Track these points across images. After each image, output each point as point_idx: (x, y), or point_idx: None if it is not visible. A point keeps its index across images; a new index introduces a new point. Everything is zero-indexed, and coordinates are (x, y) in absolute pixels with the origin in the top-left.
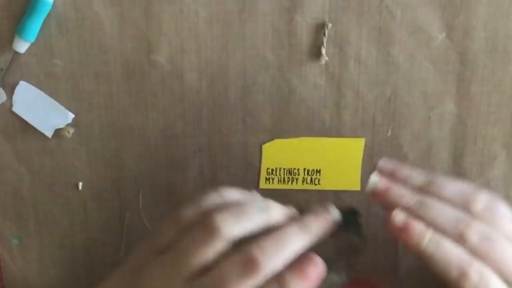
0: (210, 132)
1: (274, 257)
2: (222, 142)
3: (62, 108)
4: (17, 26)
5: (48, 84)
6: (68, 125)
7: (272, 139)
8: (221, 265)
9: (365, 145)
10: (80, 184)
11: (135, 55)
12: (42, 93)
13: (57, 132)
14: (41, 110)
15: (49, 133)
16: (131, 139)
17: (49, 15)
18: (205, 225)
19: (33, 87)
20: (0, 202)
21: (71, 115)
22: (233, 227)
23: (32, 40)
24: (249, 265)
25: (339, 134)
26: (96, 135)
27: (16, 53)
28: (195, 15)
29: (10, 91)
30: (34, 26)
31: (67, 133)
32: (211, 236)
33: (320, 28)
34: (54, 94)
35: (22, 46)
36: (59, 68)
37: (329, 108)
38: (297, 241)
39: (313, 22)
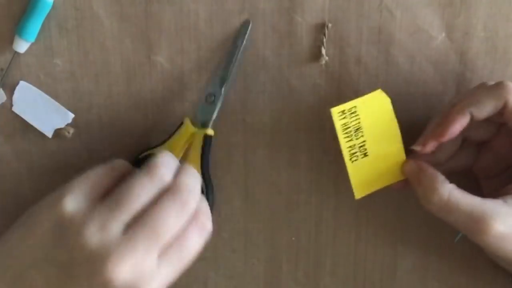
0: None
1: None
2: (222, 142)
3: (62, 108)
4: (17, 26)
5: (48, 84)
6: (68, 125)
7: (272, 139)
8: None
9: None
10: None
11: (135, 55)
12: (42, 93)
13: (57, 132)
14: (41, 110)
15: (49, 133)
16: (131, 139)
17: (49, 15)
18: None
19: (33, 87)
20: (0, 202)
21: (71, 115)
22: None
23: (32, 40)
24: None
25: None
26: (96, 135)
27: (16, 53)
28: (195, 15)
29: (10, 91)
30: (34, 26)
31: (67, 133)
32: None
33: (320, 28)
34: (54, 94)
35: (22, 46)
36: (59, 68)
37: (329, 108)
38: None
39: (313, 22)
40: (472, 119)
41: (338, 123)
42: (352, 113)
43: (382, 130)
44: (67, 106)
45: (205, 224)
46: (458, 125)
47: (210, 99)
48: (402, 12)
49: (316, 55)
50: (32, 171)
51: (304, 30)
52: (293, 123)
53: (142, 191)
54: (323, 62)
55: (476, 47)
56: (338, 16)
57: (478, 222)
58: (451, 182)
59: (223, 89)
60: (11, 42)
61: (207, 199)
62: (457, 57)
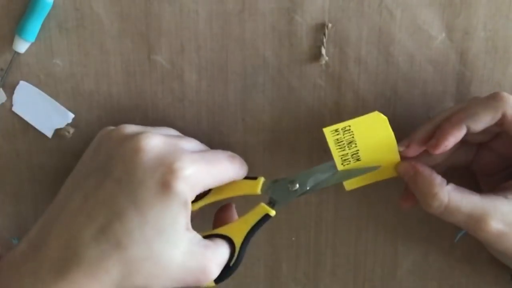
0: (210, 132)
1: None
2: (222, 142)
3: (62, 108)
4: (17, 26)
5: (48, 84)
6: (68, 125)
7: (272, 139)
8: None
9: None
10: None
11: (135, 55)
12: (42, 93)
13: (57, 132)
14: (41, 110)
15: (49, 133)
16: None
17: (49, 15)
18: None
19: (33, 87)
20: (0, 202)
21: (71, 115)
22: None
23: (32, 40)
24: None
25: None
26: (96, 135)
27: (16, 53)
28: (195, 15)
29: (10, 91)
30: (34, 26)
31: (67, 133)
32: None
33: (320, 28)
34: (54, 94)
35: (22, 46)
36: (59, 68)
37: (329, 108)
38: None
39: (313, 22)
40: (468, 131)
41: (331, 140)
42: (346, 131)
43: (379, 147)
44: (67, 106)
45: (235, 157)
46: (453, 139)
47: (292, 187)
48: (402, 12)
49: (316, 55)
50: (32, 171)
51: (304, 30)
52: (293, 123)
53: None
54: (323, 62)
55: (476, 47)
56: (338, 16)
57: (479, 220)
58: (448, 176)
59: (308, 187)
60: (11, 42)
61: (235, 264)
62: (457, 57)
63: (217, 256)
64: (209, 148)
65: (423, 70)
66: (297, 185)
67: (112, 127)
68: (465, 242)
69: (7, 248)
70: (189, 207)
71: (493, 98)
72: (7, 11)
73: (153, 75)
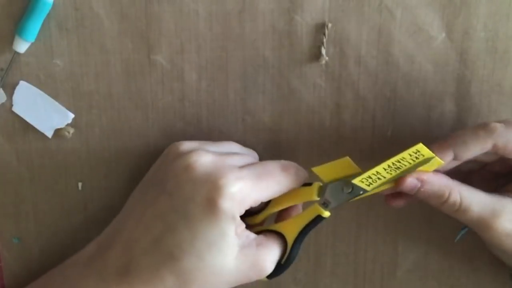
0: (210, 132)
1: None
2: None
3: (62, 108)
4: (17, 26)
5: (48, 84)
6: (68, 125)
7: (272, 139)
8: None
9: (365, 145)
10: (80, 184)
11: (135, 55)
12: (42, 93)
13: (57, 132)
14: (41, 110)
15: (49, 133)
16: (131, 139)
17: (49, 15)
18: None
19: (33, 87)
20: (0, 202)
21: (71, 115)
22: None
23: (32, 40)
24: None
25: (339, 134)
26: (96, 135)
27: (16, 53)
28: (195, 15)
29: (10, 91)
30: (34, 26)
31: (67, 133)
32: None
33: (320, 28)
34: (54, 94)
35: (22, 46)
36: (59, 68)
37: (329, 108)
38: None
39: (313, 22)
40: (456, 158)
41: (407, 152)
42: (421, 157)
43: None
44: (67, 106)
45: (289, 166)
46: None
47: (347, 189)
48: (402, 12)
49: (316, 55)
50: (32, 171)
51: (304, 30)
52: (293, 123)
53: None
54: (323, 62)
55: (476, 47)
56: (338, 16)
57: (489, 219)
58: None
59: (361, 192)
60: (11, 42)
61: (286, 262)
62: (457, 57)
63: (270, 252)
64: (265, 162)
65: (423, 70)
66: (351, 188)
67: (177, 143)
68: (465, 242)
69: (7, 248)
70: (237, 219)
71: (483, 129)
72: (7, 11)
73: (153, 75)
